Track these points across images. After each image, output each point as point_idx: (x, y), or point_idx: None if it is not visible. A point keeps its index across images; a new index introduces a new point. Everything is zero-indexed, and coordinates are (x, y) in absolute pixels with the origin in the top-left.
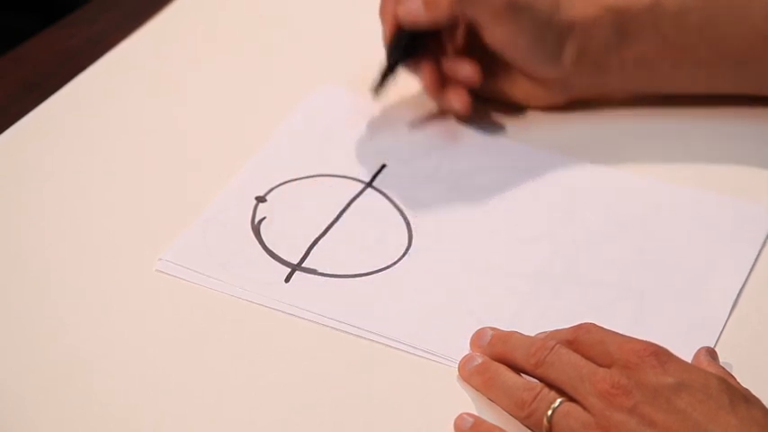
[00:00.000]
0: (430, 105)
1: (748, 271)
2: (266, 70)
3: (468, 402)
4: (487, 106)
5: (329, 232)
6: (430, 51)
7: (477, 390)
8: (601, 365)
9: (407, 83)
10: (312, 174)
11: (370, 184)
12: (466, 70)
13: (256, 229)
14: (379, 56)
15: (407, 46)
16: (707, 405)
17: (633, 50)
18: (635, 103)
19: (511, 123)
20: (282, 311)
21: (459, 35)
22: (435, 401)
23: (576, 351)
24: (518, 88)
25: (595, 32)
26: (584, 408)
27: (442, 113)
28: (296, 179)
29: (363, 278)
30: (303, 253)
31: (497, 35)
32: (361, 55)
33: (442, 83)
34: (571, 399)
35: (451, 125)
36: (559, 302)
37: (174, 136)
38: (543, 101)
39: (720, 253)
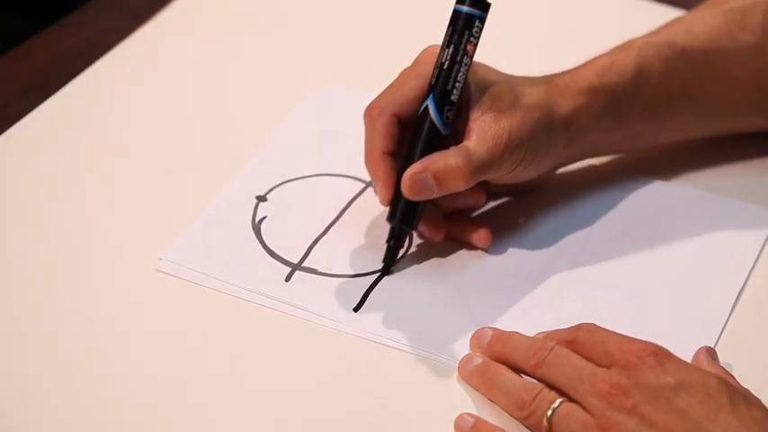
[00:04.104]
0: None
1: (748, 271)
2: (266, 70)
3: (468, 402)
4: None
5: (329, 232)
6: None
7: (477, 390)
8: (600, 366)
9: None
10: (312, 173)
11: (370, 184)
12: (474, 200)
13: (257, 229)
14: (378, 56)
15: (411, 210)
16: (707, 405)
17: (624, 130)
18: None
19: None
20: (282, 311)
21: None
22: (435, 401)
23: (575, 351)
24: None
25: (590, 123)
26: (584, 408)
27: None
28: (296, 179)
29: (363, 278)
30: (303, 252)
31: (513, 178)
32: (361, 55)
33: (445, 226)
34: (571, 399)
35: None
36: (560, 303)
37: (173, 136)
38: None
39: (720, 253)
